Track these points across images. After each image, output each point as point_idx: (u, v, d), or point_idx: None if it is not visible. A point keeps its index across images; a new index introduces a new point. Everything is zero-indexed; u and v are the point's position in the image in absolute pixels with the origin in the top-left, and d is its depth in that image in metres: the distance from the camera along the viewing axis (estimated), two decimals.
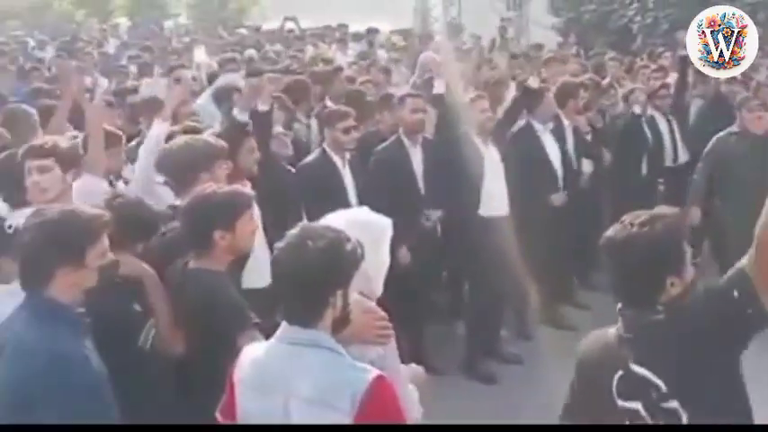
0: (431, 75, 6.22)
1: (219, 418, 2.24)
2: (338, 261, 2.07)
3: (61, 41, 13.14)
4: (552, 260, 5.43)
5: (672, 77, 7.01)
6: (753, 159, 5.41)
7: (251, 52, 10.10)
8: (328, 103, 5.89)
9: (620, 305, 2.17)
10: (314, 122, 5.69)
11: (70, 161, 3.17)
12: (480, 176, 4.85)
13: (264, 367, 2.11)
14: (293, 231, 2.14)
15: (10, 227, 2.66)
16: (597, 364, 2.20)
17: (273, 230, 3.28)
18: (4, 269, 2.62)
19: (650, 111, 6.42)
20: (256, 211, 3.05)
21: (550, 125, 5.55)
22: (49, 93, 6.02)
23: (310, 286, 2.05)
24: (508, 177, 5.00)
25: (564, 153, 5.59)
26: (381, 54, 10.46)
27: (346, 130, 4.57)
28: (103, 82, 8.76)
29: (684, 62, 6.11)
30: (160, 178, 3.63)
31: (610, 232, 2.15)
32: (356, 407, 1.95)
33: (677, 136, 6.42)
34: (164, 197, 3.52)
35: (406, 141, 4.91)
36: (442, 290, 5.72)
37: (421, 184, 4.90)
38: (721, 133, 5.78)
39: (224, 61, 8.40)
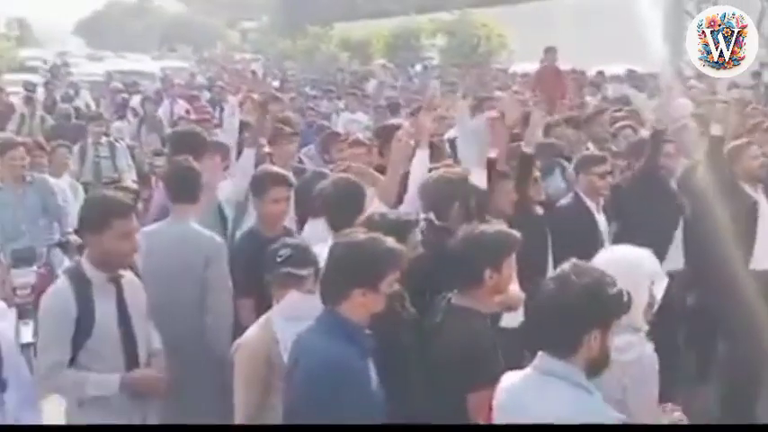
0: (684, 120, 5.98)
1: None
2: (597, 300, 2.14)
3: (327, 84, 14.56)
4: None
5: None
6: None
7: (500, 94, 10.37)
8: (590, 146, 5.84)
9: None
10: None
11: None
12: (753, 226, 4.59)
13: (518, 393, 2.23)
14: (564, 265, 2.24)
15: (281, 256, 2.90)
16: None
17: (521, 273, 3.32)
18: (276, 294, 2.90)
19: None
20: None
21: None
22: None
23: (567, 319, 2.14)
24: None
25: None
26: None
27: (602, 175, 4.52)
28: (364, 118, 9.58)
29: None
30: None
31: None
32: None
33: None
34: None
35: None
36: (685, 348, 5.33)
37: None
38: None
39: None
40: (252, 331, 2.92)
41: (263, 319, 2.94)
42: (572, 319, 2.13)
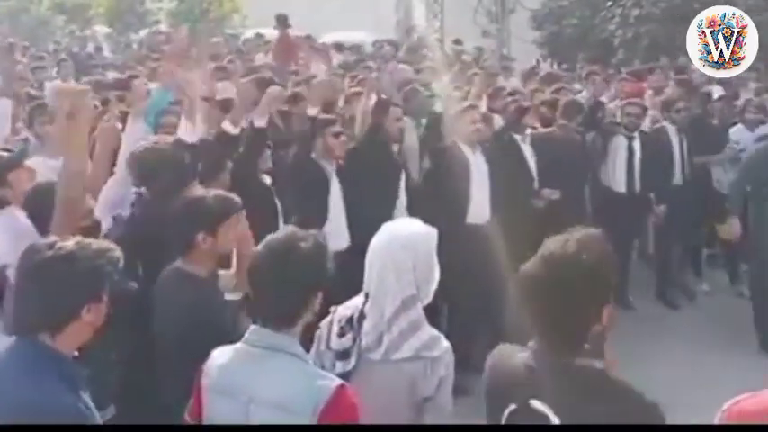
0: (410, 86, 6.23)
1: (188, 420, 2.22)
2: (324, 264, 2.12)
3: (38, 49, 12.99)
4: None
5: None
6: None
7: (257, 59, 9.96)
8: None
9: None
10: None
11: None
12: (467, 183, 4.92)
13: (230, 370, 2.11)
14: (279, 235, 2.15)
15: None
16: (499, 386, 1.96)
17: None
18: None
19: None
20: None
21: (528, 136, 5.61)
22: None
23: (295, 288, 2.07)
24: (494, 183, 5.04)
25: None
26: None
27: (336, 135, 4.62)
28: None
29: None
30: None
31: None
32: (317, 414, 1.96)
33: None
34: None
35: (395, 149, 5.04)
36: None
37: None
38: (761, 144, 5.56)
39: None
40: None
41: None
42: (300, 288, 2.08)
